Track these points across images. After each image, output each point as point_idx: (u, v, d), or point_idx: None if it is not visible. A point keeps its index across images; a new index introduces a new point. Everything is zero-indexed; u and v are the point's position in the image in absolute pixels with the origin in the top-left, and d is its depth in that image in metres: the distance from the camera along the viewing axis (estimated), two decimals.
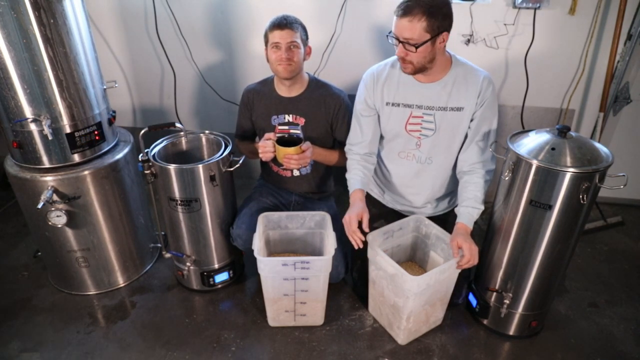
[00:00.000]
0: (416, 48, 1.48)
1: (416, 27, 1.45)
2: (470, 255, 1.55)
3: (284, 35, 1.67)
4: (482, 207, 1.66)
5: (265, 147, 1.73)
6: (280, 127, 1.88)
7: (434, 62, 1.57)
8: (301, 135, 1.77)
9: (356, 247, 1.62)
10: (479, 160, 1.68)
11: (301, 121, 1.85)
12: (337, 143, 1.93)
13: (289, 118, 1.86)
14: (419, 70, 1.58)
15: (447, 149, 1.73)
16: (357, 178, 1.76)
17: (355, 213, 1.64)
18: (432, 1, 1.44)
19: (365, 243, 1.69)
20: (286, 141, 1.72)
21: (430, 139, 1.71)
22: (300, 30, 1.72)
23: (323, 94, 1.84)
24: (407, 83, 1.68)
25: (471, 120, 1.67)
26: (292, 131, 1.86)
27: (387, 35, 1.55)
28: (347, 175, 1.80)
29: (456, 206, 1.73)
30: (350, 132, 1.82)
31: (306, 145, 1.72)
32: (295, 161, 1.70)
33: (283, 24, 1.68)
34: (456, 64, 1.64)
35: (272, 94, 1.87)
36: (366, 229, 1.63)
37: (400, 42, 1.50)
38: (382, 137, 1.83)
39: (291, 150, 1.69)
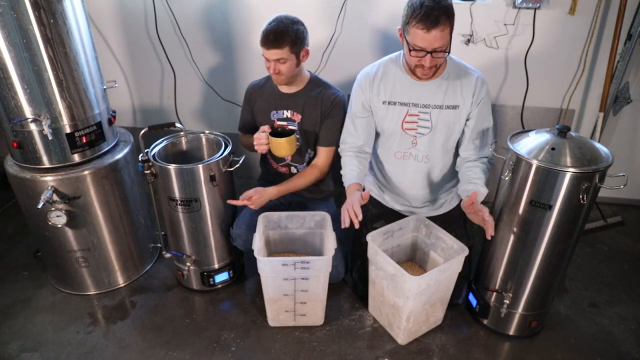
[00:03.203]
0: (448, 53, 1.50)
1: (446, 35, 1.46)
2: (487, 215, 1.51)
3: (270, 54, 1.68)
4: (487, 190, 1.64)
5: (260, 139, 1.77)
6: (278, 123, 1.89)
7: None
8: (297, 131, 1.79)
9: (345, 225, 1.59)
10: (477, 157, 1.70)
11: (298, 117, 1.86)
12: (319, 140, 1.89)
13: (287, 114, 1.87)
14: (437, 72, 1.59)
15: (444, 147, 1.74)
16: (354, 172, 1.76)
17: (356, 197, 1.61)
18: (448, 4, 1.46)
19: (365, 243, 1.69)
20: (280, 134, 1.78)
21: (426, 137, 1.72)
22: (289, 44, 1.66)
23: (321, 92, 1.84)
24: (404, 82, 1.68)
25: (467, 120, 1.68)
26: (289, 127, 1.88)
27: (409, 48, 1.51)
28: (343, 172, 1.80)
29: (456, 206, 1.73)
30: (344, 133, 1.82)
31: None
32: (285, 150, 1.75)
33: (269, 42, 1.65)
34: (451, 63, 1.66)
35: (273, 89, 1.88)
36: (365, 200, 1.62)
37: (428, 53, 1.48)
38: (378, 136, 1.83)
39: (283, 140, 1.73)
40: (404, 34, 1.54)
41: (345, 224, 1.60)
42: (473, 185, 1.65)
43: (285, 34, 1.65)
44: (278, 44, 1.65)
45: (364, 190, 1.72)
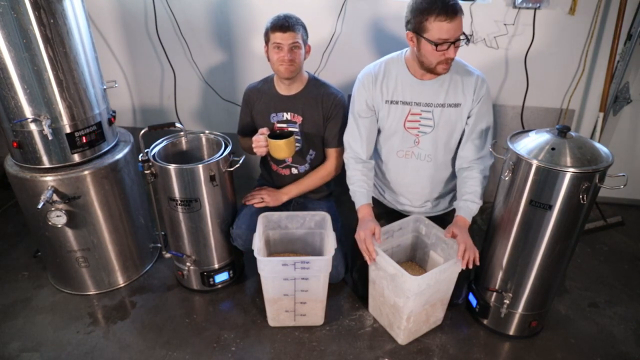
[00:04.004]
0: (468, 40, 1.53)
1: (461, 20, 1.50)
2: (466, 245, 1.56)
3: (286, 37, 1.68)
4: (481, 202, 1.68)
5: (258, 141, 1.77)
6: (278, 126, 1.89)
7: None
8: (298, 133, 1.79)
9: (370, 263, 1.66)
10: (477, 157, 1.70)
11: (298, 119, 1.86)
12: (326, 142, 1.92)
13: (287, 116, 1.87)
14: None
15: (446, 145, 1.74)
16: (363, 192, 1.77)
17: (369, 229, 1.65)
18: None
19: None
20: (279, 136, 1.78)
21: (429, 135, 1.72)
22: (301, 31, 1.72)
23: (321, 93, 1.85)
24: (406, 81, 1.68)
25: (468, 118, 1.68)
26: (290, 129, 1.88)
27: (436, 45, 1.49)
28: (351, 187, 1.81)
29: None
30: (349, 134, 1.81)
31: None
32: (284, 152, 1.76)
33: (285, 26, 1.67)
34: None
35: (272, 91, 1.88)
36: (378, 241, 1.66)
37: (451, 43, 1.50)
38: (379, 135, 1.83)
39: (282, 142, 1.72)
40: (419, 34, 1.51)
41: (370, 260, 1.65)
42: (463, 202, 1.68)
43: (298, 20, 1.72)
44: (294, 28, 1.69)
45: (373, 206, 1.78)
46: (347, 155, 1.83)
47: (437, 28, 1.48)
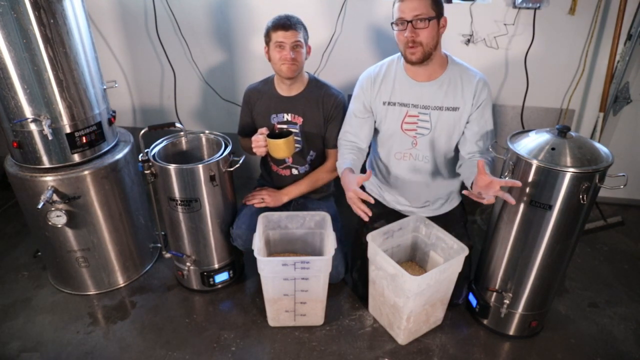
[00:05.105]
0: (429, 21, 1.51)
1: (424, 3, 1.50)
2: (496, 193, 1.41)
3: (288, 36, 1.69)
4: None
5: (258, 141, 1.77)
6: (279, 126, 1.89)
7: (436, 51, 1.59)
8: (298, 134, 1.79)
9: (366, 219, 1.55)
10: (479, 153, 1.70)
11: (299, 120, 1.86)
12: (327, 143, 1.93)
13: (287, 117, 1.87)
14: (426, 56, 1.57)
15: (444, 147, 1.74)
16: (348, 160, 1.75)
17: (352, 185, 1.56)
18: None
19: (365, 243, 1.69)
20: (278, 135, 1.78)
21: (426, 137, 1.72)
22: (302, 31, 1.73)
23: (321, 93, 1.85)
24: (404, 82, 1.68)
25: (467, 122, 1.67)
26: (289, 129, 1.88)
27: (392, 24, 1.57)
28: (338, 163, 1.81)
29: (456, 206, 1.71)
30: (344, 129, 1.83)
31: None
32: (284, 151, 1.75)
33: (287, 24, 1.68)
34: (452, 64, 1.67)
35: (272, 92, 1.88)
36: (366, 179, 1.55)
37: (409, 22, 1.51)
38: (378, 136, 1.83)
39: (281, 141, 1.72)
40: (392, 23, 1.58)
41: (364, 216, 1.54)
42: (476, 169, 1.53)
43: (299, 20, 1.74)
44: (295, 26, 1.70)
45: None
46: (340, 142, 1.83)
47: (396, 9, 1.55)
